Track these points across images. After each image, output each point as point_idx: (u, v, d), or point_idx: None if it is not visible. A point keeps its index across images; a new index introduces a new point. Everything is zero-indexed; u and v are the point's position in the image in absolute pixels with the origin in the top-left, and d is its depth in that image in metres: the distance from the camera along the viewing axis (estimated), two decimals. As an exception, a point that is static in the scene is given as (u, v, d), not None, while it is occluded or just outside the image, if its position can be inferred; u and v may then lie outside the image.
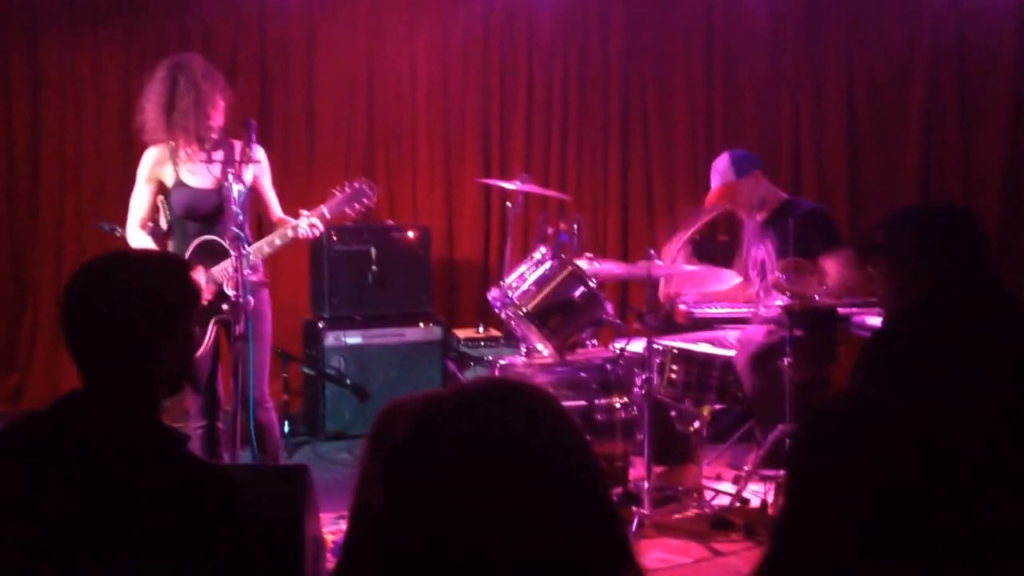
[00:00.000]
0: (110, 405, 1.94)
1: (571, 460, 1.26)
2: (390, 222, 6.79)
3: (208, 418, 4.56)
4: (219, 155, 4.31)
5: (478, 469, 1.20)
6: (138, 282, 2.00)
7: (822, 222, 4.95)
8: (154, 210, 4.59)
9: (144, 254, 2.18)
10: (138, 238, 4.59)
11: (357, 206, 4.43)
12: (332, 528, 4.13)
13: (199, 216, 4.44)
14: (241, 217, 4.23)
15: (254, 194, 4.59)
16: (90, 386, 1.98)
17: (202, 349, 4.28)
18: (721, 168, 5.15)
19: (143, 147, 6.79)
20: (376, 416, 1.31)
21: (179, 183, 4.46)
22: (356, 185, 4.45)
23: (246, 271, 4.17)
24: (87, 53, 6.84)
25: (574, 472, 1.25)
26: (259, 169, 4.56)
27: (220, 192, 4.34)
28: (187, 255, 4.40)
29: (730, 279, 4.96)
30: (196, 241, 4.40)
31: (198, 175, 4.44)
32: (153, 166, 4.52)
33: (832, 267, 4.69)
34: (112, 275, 2.01)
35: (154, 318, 1.99)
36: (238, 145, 4.35)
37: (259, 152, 4.53)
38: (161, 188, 4.56)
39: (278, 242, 4.40)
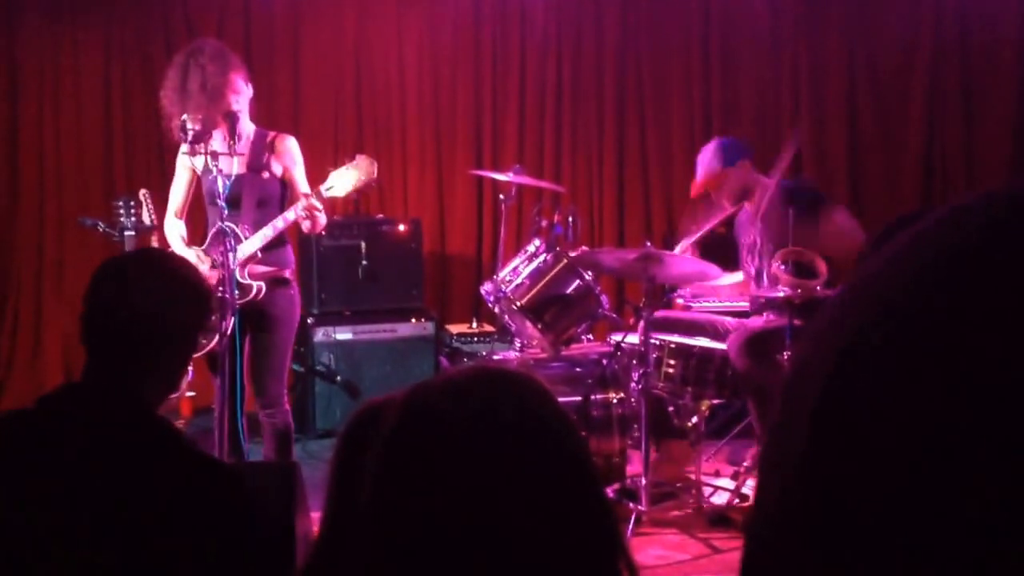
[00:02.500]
0: (111, 396, 1.96)
1: (561, 450, 1.24)
2: (380, 215, 6.71)
3: (224, 409, 4.42)
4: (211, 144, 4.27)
5: (466, 459, 1.19)
6: (166, 286, 2.06)
7: (809, 191, 4.92)
8: (188, 199, 4.56)
9: (173, 266, 2.20)
10: (170, 227, 4.55)
11: (356, 184, 4.30)
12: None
13: (224, 202, 4.31)
14: (226, 211, 4.13)
15: (286, 186, 4.49)
16: (93, 377, 2.01)
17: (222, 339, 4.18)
18: (707, 157, 5.12)
19: (126, 140, 6.77)
20: (352, 414, 1.32)
21: (206, 169, 4.36)
22: (355, 161, 4.33)
23: (233, 264, 4.10)
24: (66, 42, 6.71)
25: (564, 462, 1.24)
26: (287, 160, 4.45)
27: (244, 178, 4.33)
28: (207, 241, 4.37)
29: (719, 275, 4.89)
30: (214, 228, 4.31)
31: (221, 162, 4.32)
32: (184, 154, 4.44)
33: (842, 218, 4.68)
34: (137, 277, 2.07)
35: (170, 324, 2.05)
36: (220, 135, 4.30)
37: (287, 142, 4.46)
38: (196, 175, 4.49)
39: (269, 233, 4.29)
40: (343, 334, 6.24)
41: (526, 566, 1.18)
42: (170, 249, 4.50)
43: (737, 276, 5.21)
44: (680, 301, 5.48)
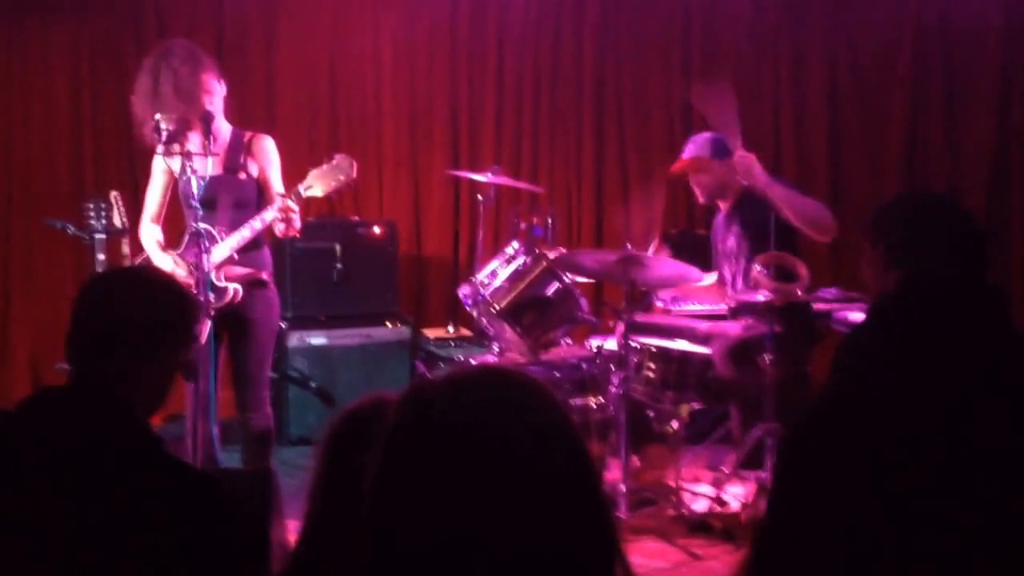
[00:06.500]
0: (91, 402, 1.96)
1: (562, 451, 1.25)
2: (355, 217, 6.65)
3: (197, 415, 4.33)
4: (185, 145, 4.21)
5: (466, 458, 1.20)
6: (151, 302, 2.10)
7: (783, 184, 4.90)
8: (165, 203, 4.50)
9: (166, 281, 2.28)
10: (145, 232, 4.48)
11: (334, 184, 4.25)
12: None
13: (200, 204, 4.21)
14: (201, 212, 4.07)
15: (261, 187, 4.42)
16: (75, 383, 2.03)
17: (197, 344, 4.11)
18: (699, 141, 5.14)
19: (96, 140, 6.66)
20: (332, 420, 1.30)
21: (182, 172, 4.29)
22: (334, 160, 4.28)
23: (210, 266, 4.07)
24: (34, 40, 6.58)
25: (565, 463, 1.24)
26: (263, 160, 4.40)
27: (220, 180, 4.27)
28: (182, 245, 4.31)
29: (700, 277, 4.86)
30: (190, 230, 4.24)
31: (196, 163, 4.24)
32: (160, 155, 4.36)
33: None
34: (131, 289, 2.12)
35: (155, 335, 2.08)
36: (197, 136, 4.23)
37: (264, 142, 4.41)
38: (173, 178, 4.42)
39: (246, 234, 4.22)
40: (317, 339, 6.18)
41: (524, 566, 1.18)
42: (144, 254, 4.44)
43: (711, 277, 5.19)
44: (660, 304, 5.45)
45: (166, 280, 2.22)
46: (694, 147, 5.10)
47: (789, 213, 4.57)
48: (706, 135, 5.13)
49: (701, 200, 5.18)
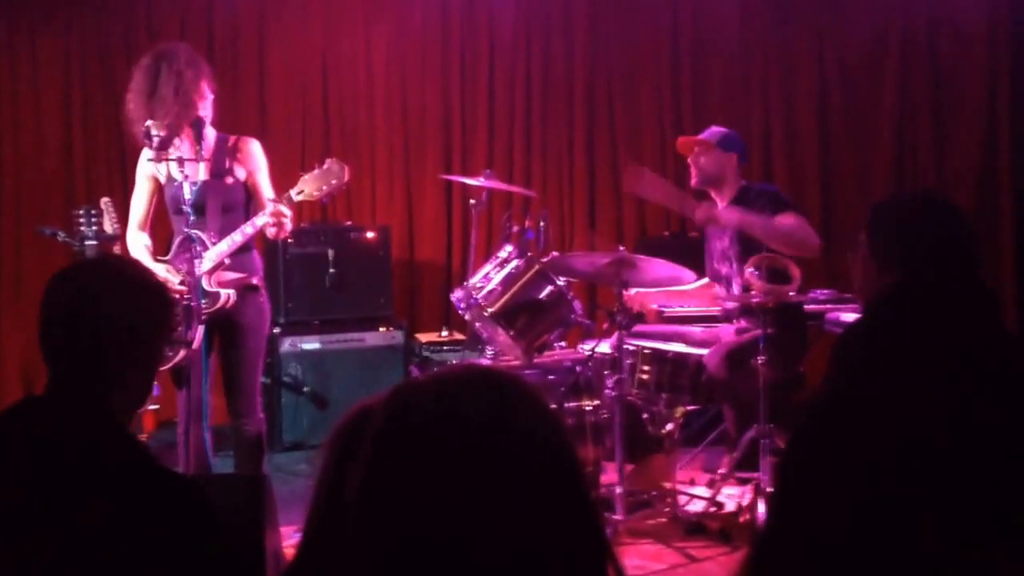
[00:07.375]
0: (75, 410, 1.92)
1: (548, 451, 1.24)
2: (348, 222, 6.63)
3: (188, 422, 4.31)
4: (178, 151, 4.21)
5: (452, 459, 1.18)
6: (123, 291, 2.02)
7: (769, 193, 4.89)
8: (151, 210, 4.47)
9: (130, 271, 2.15)
10: (133, 240, 4.45)
11: (326, 188, 4.23)
12: (292, 542, 3.97)
13: (189, 212, 4.20)
14: (193, 217, 4.05)
15: (249, 191, 4.41)
16: (56, 390, 1.98)
17: (189, 350, 4.08)
18: (712, 129, 5.12)
19: (86, 147, 6.65)
20: (341, 417, 1.29)
21: (170, 178, 4.26)
22: (325, 165, 4.26)
23: (201, 271, 4.06)
24: (24, 48, 6.58)
25: (551, 463, 1.23)
26: (251, 164, 4.38)
27: (208, 185, 4.24)
28: (171, 251, 4.29)
29: (692, 279, 4.84)
30: (179, 236, 4.23)
31: (187, 168, 4.22)
32: (146, 162, 4.33)
33: (788, 222, 4.65)
34: (94, 286, 2.02)
35: (131, 329, 2.00)
36: (186, 141, 4.24)
37: (251, 145, 4.40)
38: (158, 185, 4.38)
39: (238, 239, 4.19)
40: (310, 344, 6.16)
41: (513, 568, 1.16)
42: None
43: (702, 282, 5.18)
44: (654, 306, 5.43)
45: (132, 271, 2.14)
46: (707, 132, 5.10)
47: (770, 242, 4.59)
48: (721, 128, 5.13)
49: (693, 182, 5.13)
